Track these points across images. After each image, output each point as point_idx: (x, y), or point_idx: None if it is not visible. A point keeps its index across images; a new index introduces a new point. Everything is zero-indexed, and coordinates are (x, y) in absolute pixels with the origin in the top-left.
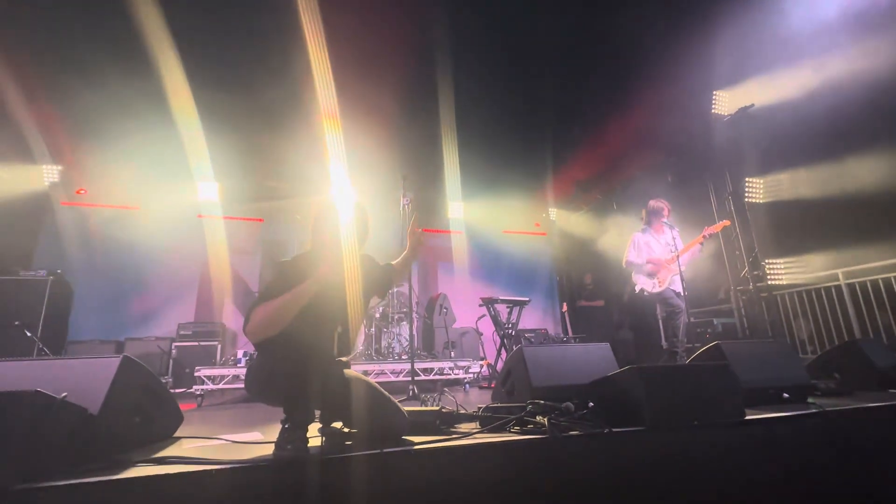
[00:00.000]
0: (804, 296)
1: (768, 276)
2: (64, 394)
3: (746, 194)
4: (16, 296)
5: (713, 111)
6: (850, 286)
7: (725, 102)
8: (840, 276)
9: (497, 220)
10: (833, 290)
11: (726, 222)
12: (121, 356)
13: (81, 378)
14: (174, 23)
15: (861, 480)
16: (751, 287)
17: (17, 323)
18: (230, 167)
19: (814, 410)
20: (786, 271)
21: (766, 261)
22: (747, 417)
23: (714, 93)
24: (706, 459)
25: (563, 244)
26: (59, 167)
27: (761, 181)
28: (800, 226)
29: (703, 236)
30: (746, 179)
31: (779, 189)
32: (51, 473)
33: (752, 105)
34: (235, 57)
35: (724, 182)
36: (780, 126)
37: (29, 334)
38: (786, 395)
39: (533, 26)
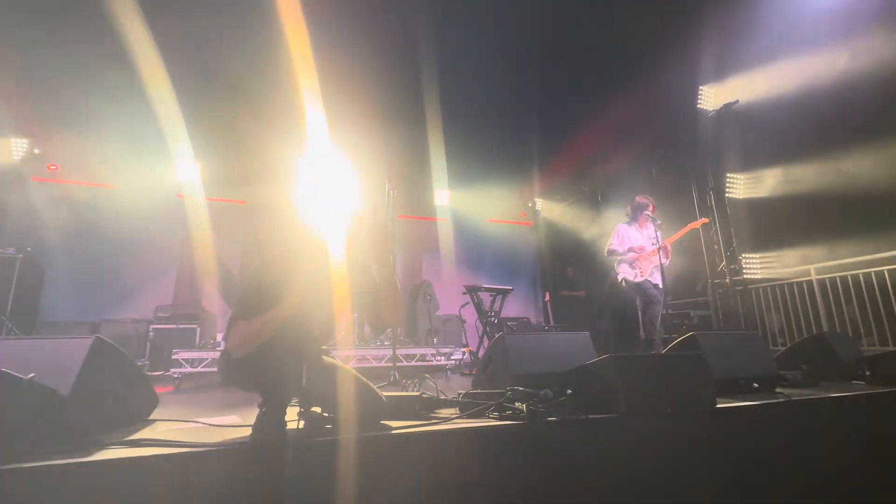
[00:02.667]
0: (777, 290)
1: (744, 271)
2: (31, 374)
3: (727, 190)
4: None
5: (699, 106)
6: (821, 281)
7: (711, 98)
8: (812, 272)
9: (483, 208)
10: (805, 285)
11: (705, 220)
12: (93, 337)
13: (51, 359)
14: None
15: (823, 465)
16: (727, 280)
17: None
18: (211, 148)
19: (781, 400)
20: (761, 266)
21: (743, 255)
22: (718, 406)
23: (700, 88)
24: (678, 445)
25: (547, 234)
26: (27, 140)
27: (742, 177)
28: (776, 222)
29: (661, 246)
30: (728, 175)
31: (758, 185)
32: (17, 455)
33: (737, 101)
34: (212, 35)
35: (707, 177)
36: (763, 123)
37: None
38: (756, 384)
39: (520, 18)
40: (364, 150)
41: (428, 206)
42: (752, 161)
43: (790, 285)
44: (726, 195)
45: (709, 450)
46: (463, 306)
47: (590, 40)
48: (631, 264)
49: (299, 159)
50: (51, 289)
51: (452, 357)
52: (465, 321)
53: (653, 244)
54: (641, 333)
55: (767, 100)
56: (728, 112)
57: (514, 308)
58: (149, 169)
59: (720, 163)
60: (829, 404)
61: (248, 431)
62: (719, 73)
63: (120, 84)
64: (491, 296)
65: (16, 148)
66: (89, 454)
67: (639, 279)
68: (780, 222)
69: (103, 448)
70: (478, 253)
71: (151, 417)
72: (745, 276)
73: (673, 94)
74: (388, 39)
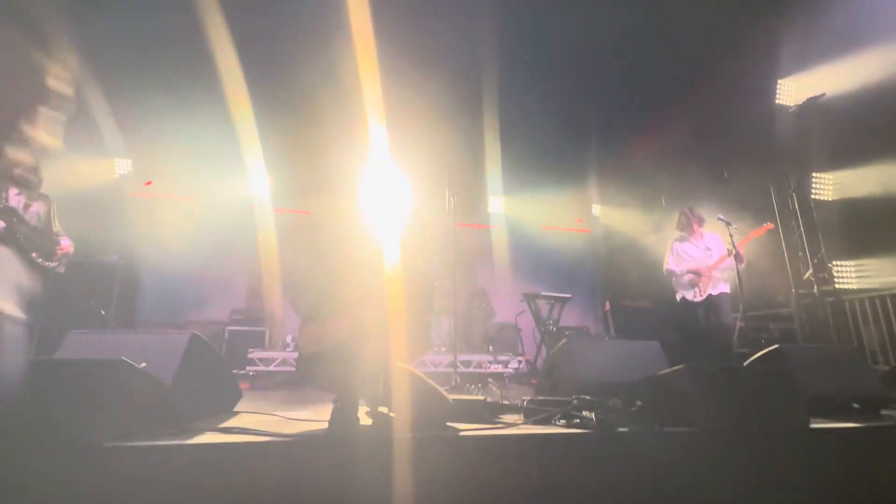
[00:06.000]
0: (877, 302)
1: (835, 280)
2: (143, 363)
3: (813, 191)
4: (92, 277)
5: (777, 102)
6: None
7: (791, 92)
8: None
9: (539, 215)
10: None
11: (769, 225)
12: (190, 332)
13: (155, 351)
14: (235, 31)
15: None
16: (815, 291)
17: (93, 302)
18: (279, 161)
19: (887, 423)
20: (857, 275)
21: (834, 263)
22: (812, 426)
23: (779, 82)
24: (765, 466)
25: (606, 241)
26: (130, 160)
27: (830, 177)
28: (875, 225)
29: (735, 251)
30: (813, 175)
31: (851, 186)
32: (133, 434)
33: (823, 95)
34: (288, 58)
35: (787, 178)
36: (855, 117)
37: (104, 313)
38: (855, 405)
39: (583, 14)
40: (424, 158)
41: (482, 213)
42: (842, 159)
43: (894, 297)
44: (812, 196)
45: (800, 473)
46: (519, 314)
47: (654, 34)
48: (690, 284)
49: (361, 169)
50: (142, 293)
51: (509, 365)
52: (520, 329)
53: (711, 257)
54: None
55: (858, 92)
56: (812, 107)
57: (572, 317)
58: (225, 183)
59: (804, 162)
60: None
61: (322, 425)
62: (801, 65)
63: (205, 108)
64: (549, 304)
65: (119, 167)
66: (190, 437)
67: (698, 298)
68: (880, 226)
69: (201, 433)
70: (533, 260)
71: (236, 409)
72: (836, 286)
73: (747, 89)
74: (448, 47)
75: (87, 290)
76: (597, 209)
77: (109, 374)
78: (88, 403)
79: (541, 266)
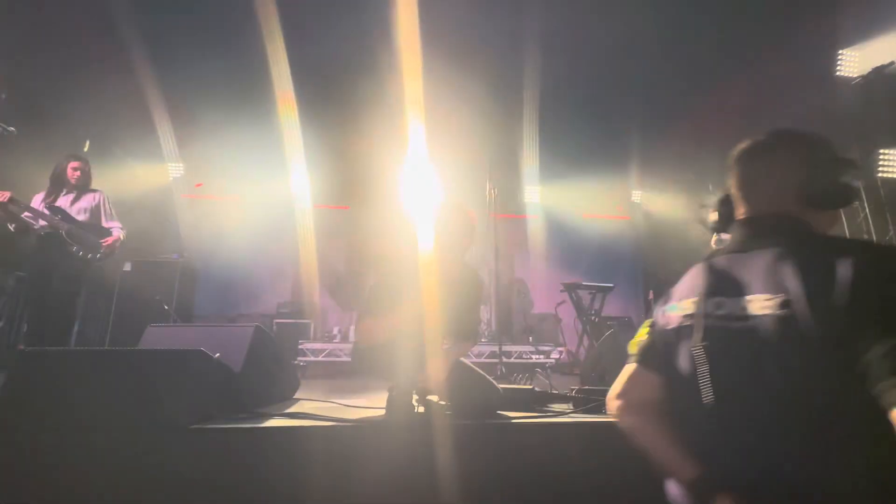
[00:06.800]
0: None
1: None
2: (217, 354)
3: (880, 168)
4: (155, 275)
5: (838, 74)
6: None
7: (855, 62)
8: None
9: (576, 203)
10: None
11: None
12: (254, 325)
13: (224, 342)
14: (287, 43)
15: None
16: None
17: (157, 297)
18: (320, 159)
19: None
20: None
21: None
22: None
23: (839, 52)
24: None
25: (648, 228)
26: (182, 164)
27: None
28: None
29: None
30: (880, 151)
31: None
32: (213, 418)
33: (893, 63)
34: (331, 56)
35: (851, 155)
36: None
37: (167, 307)
38: None
39: None
40: (462, 150)
41: (518, 204)
42: None
43: None
44: (878, 175)
45: None
46: (559, 304)
47: (699, 7)
48: None
49: (402, 167)
50: (197, 288)
51: (551, 356)
52: (561, 319)
53: None
54: None
55: None
56: (879, 77)
57: (613, 307)
58: (267, 182)
59: (869, 137)
60: None
61: (377, 412)
62: (865, 33)
63: (250, 112)
64: (590, 294)
65: (173, 170)
66: (262, 421)
67: None
68: None
69: (271, 417)
70: (571, 249)
71: (295, 397)
72: None
73: (802, 61)
74: (487, 35)
75: (153, 287)
76: (637, 195)
77: (190, 362)
78: (173, 389)
79: (579, 255)
